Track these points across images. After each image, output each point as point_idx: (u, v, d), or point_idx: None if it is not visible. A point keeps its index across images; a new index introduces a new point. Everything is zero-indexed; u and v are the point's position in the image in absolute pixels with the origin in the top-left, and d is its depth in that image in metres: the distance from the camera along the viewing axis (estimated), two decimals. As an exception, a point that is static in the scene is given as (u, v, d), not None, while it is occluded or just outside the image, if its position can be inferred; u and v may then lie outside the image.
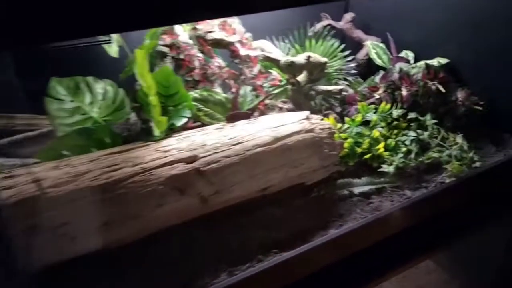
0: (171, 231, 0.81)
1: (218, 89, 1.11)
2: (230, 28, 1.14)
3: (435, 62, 1.27)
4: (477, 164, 1.03)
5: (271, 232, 0.84)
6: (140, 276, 0.74)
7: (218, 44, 1.11)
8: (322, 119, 1.02)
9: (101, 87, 1.05)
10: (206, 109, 1.08)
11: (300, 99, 1.19)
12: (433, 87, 1.14)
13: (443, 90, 1.10)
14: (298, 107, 1.18)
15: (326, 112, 1.22)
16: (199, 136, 0.88)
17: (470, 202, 1.03)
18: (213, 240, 0.82)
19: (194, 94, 1.09)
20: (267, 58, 1.07)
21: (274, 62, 1.09)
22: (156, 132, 0.91)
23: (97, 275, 0.73)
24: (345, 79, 1.37)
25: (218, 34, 1.10)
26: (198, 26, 1.16)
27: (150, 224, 0.78)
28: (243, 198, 0.87)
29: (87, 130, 0.91)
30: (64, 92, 1.01)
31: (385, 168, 0.99)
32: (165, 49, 1.17)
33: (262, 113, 1.11)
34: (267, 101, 1.19)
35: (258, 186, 0.88)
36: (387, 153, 1.04)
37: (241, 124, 0.95)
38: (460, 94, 1.18)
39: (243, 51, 1.12)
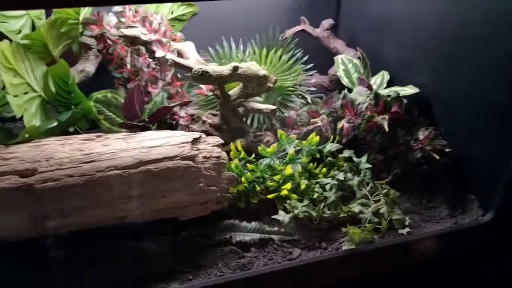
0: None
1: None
2: (155, 25, 1.01)
3: (405, 90, 1.03)
4: (405, 230, 0.80)
5: (97, 269, 0.71)
6: None
7: (134, 41, 0.99)
8: (220, 144, 0.85)
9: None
10: (107, 113, 0.97)
11: (229, 114, 1.02)
12: (383, 122, 0.90)
13: (386, 127, 0.87)
14: (226, 123, 1.03)
15: (259, 133, 1.05)
16: (54, 147, 0.77)
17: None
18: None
19: (98, 95, 0.98)
20: (176, 64, 0.92)
21: (187, 70, 0.94)
22: (22, 133, 0.82)
23: None
24: (302, 97, 1.17)
25: (133, 31, 0.97)
26: (123, 19, 1.04)
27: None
28: (86, 226, 0.75)
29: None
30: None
31: (279, 215, 0.80)
32: (91, 41, 1.08)
33: (171, 126, 0.97)
34: (192, 111, 1.05)
35: (108, 214, 0.75)
36: (295, 196, 0.85)
37: (113, 137, 0.82)
38: (422, 135, 0.93)
39: (159, 53, 0.98)
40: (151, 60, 1.04)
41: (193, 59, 0.97)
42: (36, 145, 0.78)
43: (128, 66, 1.05)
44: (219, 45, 1.17)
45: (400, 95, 0.95)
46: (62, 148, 0.77)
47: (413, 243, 0.77)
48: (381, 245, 0.75)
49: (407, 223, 0.81)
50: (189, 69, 0.96)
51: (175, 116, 1.01)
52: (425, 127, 0.95)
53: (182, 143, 0.80)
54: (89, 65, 1.07)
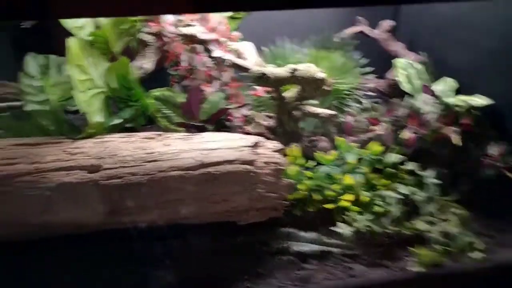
0: (60, 240, 0.74)
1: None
2: (213, 24, 1.00)
3: (475, 100, 0.96)
4: (478, 255, 0.74)
5: (153, 269, 0.71)
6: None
7: (191, 40, 0.98)
8: (280, 150, 0.83)
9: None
10: (165, 111, 0.97)
11: (285, 117, 1.00)
12: (453, 135, 0.85)
13: (457, 141, 0.81)
14: (281, 126, 1.00)
15: (314, 138, 1.01)
16: (117, 144, 0.78)
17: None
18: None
19: (156, 92, 0.98)
20: (234, 65, 0.90)
21: (243, 71, 0.92)
22: (87, 128, 0.83)
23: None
24: (359, 102, 1.12)
25: (191, 29, 0.96)
26: (181, 17, 1.04)
27: (35, 229, 0.72)
28: (146, 224, 0.75)
29: (25, 114, 0.88)
30: (37, 69, 0.99)
31: (339, 228, 0.77)
32: (149, 38, 1.09)
33: (224, 127, 0.96)
34: (247, 112, 1.03)
35: (168, 214, 0.75)
36: (356, 208, 0.81)
37: (173, 137, 0.82)
38: (493, 151, 0.86)
39: (216, 52, 0.97)
40: (208, 58, 1.03)
41: (252, 60, 0.95)
42: (100, 141, 0.79)
43: (184, 64, 1.04)
44: (273, 45, 1.15)
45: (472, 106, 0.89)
46: (125, 145, 0.78)
47: (492, 270, 0.71)
48: (454, 269, 0.70)
49: (480, 247, 0.75)
50: (246, 70, 0.94)
51: (230, 117, 1.00)
52: (497, 141, 0.88)
53: (242, 146, 0.79)
54: (147, 62, 1.07)
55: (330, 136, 1.02)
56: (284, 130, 1.00)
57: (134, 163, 0.74)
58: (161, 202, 0.74)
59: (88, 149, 0.76)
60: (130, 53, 1.10)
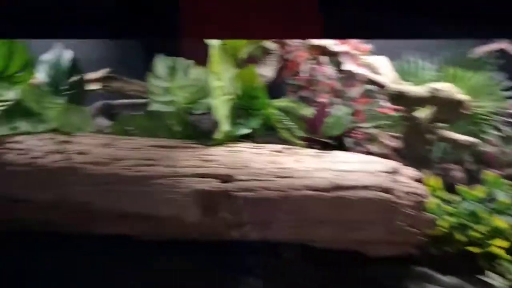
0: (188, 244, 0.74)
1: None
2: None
3: None
4: None
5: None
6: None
7: (323, 51, 0.94)
8: (420, 179, 0.75)
9: (197, 73, 1.03)
10: (286, 122, 0.95)
11: (415, 139, 0.91)
12: None
13: None
14: (409, 149, 0.92)
15: (446, 167, 0.91)
16: (248, 155, 0.77)
17: None
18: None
19: (281, 103, 0.96)
20: (370, 81, 0.84)
21: (379, 88, 0.85)
22: (218, 135, 0.83)
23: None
24: (497, 129, 0.99)
25: (322, 40, 0.92)
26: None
27: (159, 229, 0.73)
28: (271, 240, 0.72)
29: (156, 114, 0.92)
30: (165, 71, 1.03)
31: (490, 278, 0.67)
32: (272, 46, 1.07)
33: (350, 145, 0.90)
34: (369, 130, 0.96)
35: (295, 234, 0.72)
36: (509, 257, 0.70)
37: (304, 153, 0.78)
38: None
39: (348, 65, 0.91)
40: (331, 71, 0.98)
41: (388, 76, 0.88)
42: (231, 150, 0.78)
43: (303, 74, 1.01)
44: (399, 60, 1.06)
45: None
46: (256, 157, 0.76)
47: None
48: None
49: None
50: (382, 86, 0.87)
51: (352, 134, 0.94)
52: None
53: (379, 171, 0.72)
54: (268, 70, 1.06)
55: (463, 165, 0.91)
56: (413, 153, 0.91)
57: (266, 177, 0.71)
58: (290, 221, 0.70)
59: (221, 157, 0.76)
60: (253, 60, 1.10)
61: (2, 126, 0.82)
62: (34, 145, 0.77)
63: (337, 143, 0.89)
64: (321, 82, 0.98)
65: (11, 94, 0.91)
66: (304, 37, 0.87)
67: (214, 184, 0.71)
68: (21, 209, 0.73)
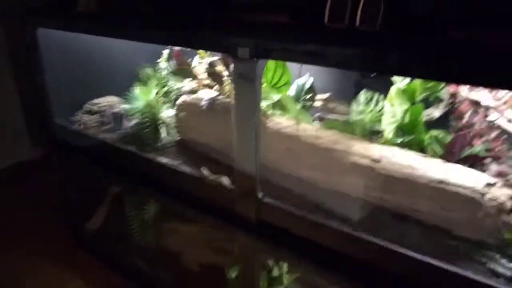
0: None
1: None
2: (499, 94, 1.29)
3: None
4: None
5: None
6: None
7: (475, 103, 1.31)
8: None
9: (383, 104, 1.59)
10: (433, 145, 1.37)
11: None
12: None
13: None
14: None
15: None
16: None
17: None
18: None
19: (434, 133, 1.39)
20: (503, 130, 1.17)
21: None
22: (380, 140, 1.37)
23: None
24: None
25: (479, 96, 1.30)
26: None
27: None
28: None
29: (349, 123, 1.53)
30: (363, 100, 1.63)
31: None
32: (445, 96, 1.50)
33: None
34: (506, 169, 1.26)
35: (410, 204, 1.17)
36: None
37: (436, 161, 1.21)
38: None
39: (491, 116, 1.26)
40: (485, 118, 1.33)
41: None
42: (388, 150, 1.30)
43: (464, 120, 1.39)
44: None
45: None
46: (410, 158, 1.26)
47: None
48: None
49: None
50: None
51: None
52: None
53: (480, 180, 1.08)
54: (436, 112, 1.50)
55: None
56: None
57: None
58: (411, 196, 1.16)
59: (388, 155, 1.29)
60: (426, 102, 1.56)
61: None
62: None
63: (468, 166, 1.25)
64: (474, 127, 1.35)
65: (276, 97, 1.72)
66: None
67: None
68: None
